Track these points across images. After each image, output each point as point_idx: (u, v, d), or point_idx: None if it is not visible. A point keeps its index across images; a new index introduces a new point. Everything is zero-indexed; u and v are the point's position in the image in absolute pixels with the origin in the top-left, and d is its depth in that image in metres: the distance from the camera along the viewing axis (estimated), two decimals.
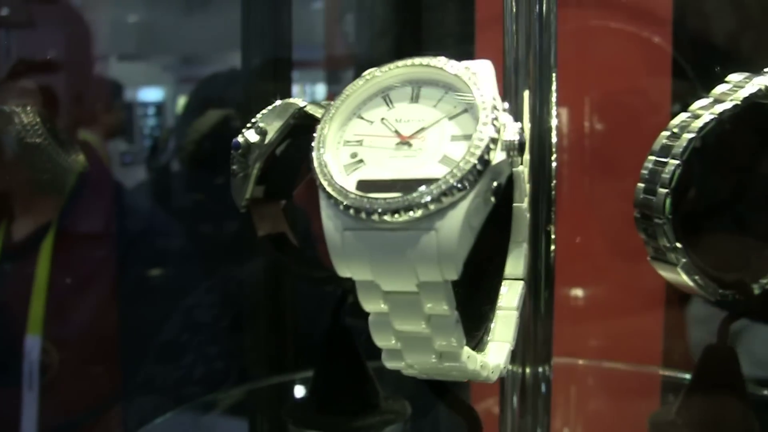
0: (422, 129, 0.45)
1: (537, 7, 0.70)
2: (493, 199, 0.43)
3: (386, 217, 0.41)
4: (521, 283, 0.57)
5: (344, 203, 0.43)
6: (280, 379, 1.07)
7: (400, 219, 0.41)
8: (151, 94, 1.70)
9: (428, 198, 0.41)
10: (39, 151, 1.19)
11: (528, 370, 0.75)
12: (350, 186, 0.44)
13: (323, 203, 0.44)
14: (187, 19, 1.56)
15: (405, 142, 0.45)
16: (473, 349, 0.52)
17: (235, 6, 1.21)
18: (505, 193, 0.55)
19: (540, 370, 0.75)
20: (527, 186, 0.57)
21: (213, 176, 1.38)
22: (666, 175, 0.65)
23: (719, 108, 0.64)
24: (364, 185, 0.44)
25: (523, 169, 0.55)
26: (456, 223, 0.41)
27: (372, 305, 0.46)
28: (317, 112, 0.68)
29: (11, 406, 1.20)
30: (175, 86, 1.63)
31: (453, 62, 0.47)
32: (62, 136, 1.23)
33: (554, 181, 0.74)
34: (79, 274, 1.28)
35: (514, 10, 0.71)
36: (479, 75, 0.46)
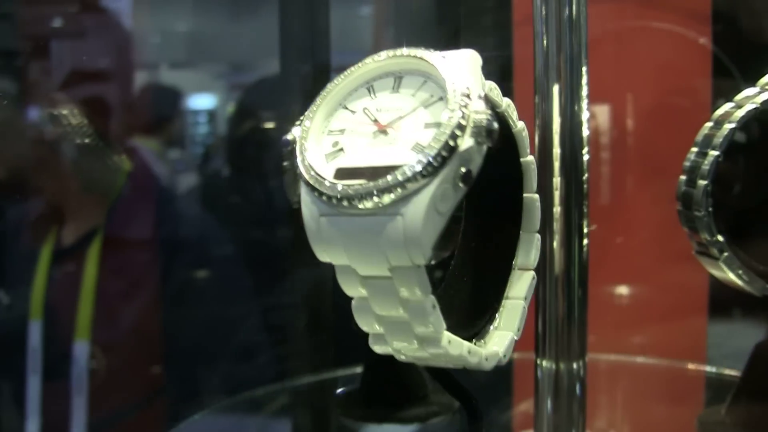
0: (399, 118, 0.46)
1: (567, 9, 0.71)
2: (462, 185, 0.42)
3: (356, 203, 0.42)
4: (531, 273, 0.58)
5: (320, 190, 0.44)
6: (327, 375, 1.07)
7: (369, 205, 0.42)
8: (202, 101, 1.72)
9: (394, 184, 0.42)
10: (87, 151, 1.24)
11: (562, 367, 0.74)
12: (329, 174, 0.45)
13: (302, 191, 0.46)
14: (234, 26, 1.58)
15: (382, 130, 0.46)
16: (474, 337, 0.54)
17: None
18: (515, 183, 0.56)
19: (574, 366, 0.74)
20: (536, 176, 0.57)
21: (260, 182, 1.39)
22: (705, 167, 0.64)
23: (763, 97, 0.62)
24: (341, 173, 0.45)
25: (532, 160, 0.56)
26: (420, 209, 0.41)
27: (351, 290, 0.47)
28: None
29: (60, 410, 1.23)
30: (225, 93, 1.65)
31: (433, 52, 0.47)
32: (108, 139, 1.25)
33: (586, 175, 0.73)
34: (125, 278, 1.31)
35: (544, 12, 0.71)
36: (456, 64, 0.46)
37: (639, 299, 1.14)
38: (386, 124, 0.46)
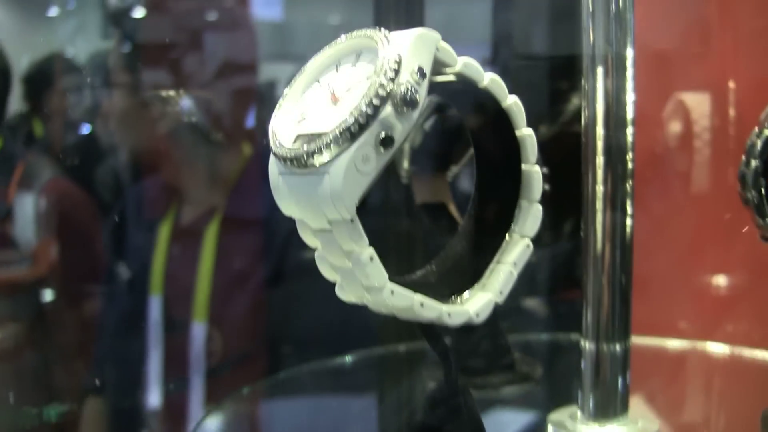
0: (348, 89, 0.52)
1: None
2: (383, 149, 0.48)
3: (300, 163, 0.49)
4: (525, 241, 0.62)
5: (276, 153, 0.51)
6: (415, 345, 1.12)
7: (307, 165, 0.49)
8: None
9: (321, 147, 0.48)
10: (195, 130, 1.32)
11: (605, 348, 0.77)
12: (290, 139, 0.52)
13: (271, 156, 0.53)
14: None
15: (335, 100, 0.53)
16: (452, 295, 0.59)
17: None
18: (513, 154, 0.60)
19: (617, 348, 0.77)
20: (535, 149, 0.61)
21: None
22: (759, 147, 0.65)
23: None
24: (299, 138, 0.52)
25: (529, 133, 0.60)
26: (341, 168, 0.47)
27: (309, 241, 0.54)
28: None
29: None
30: None
31: (383, 32, 0.53)
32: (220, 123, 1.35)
33: (630, 154, 0.76)
34: (242, 259, 1.39)
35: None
36: (400, 41, 0.51)
37: (737, 287, 1.12)
38: (338, 95, 0.52)
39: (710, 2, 1.15)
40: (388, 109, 0.48)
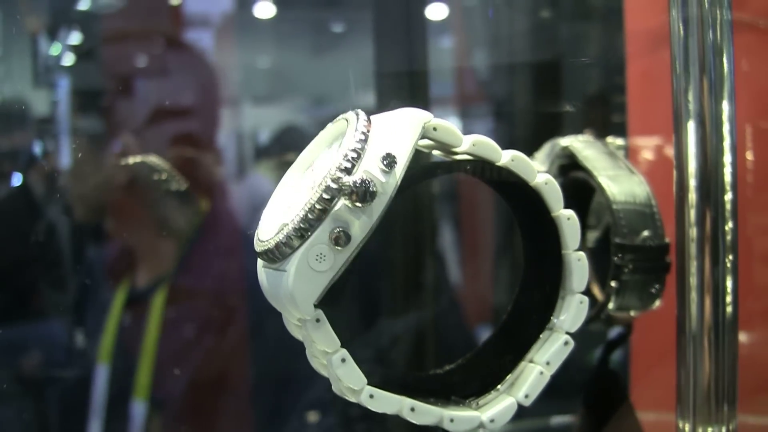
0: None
1: (710, 32, 0.65)
2: (339, 247, 0.46)
3: (268, 258, 0.48)
4: (563, 337, 0.56)
5: (255, 246, 0.49)
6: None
7: (275, 260, 0.48)
8: None
9: (278, 244, 0.46)
10: (178, 197, 1.24)
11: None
12: (274, 230, 0.48)
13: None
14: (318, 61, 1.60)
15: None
16: (470, 396, 0.54)
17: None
18: (553, 239, 0.55)
19: (722, 431, 0.67)
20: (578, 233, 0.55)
21: None
22: None
23: None
24: (282, 228, 0.48)
25: (566, 214, 0.54)
26: (292, 267, 0.46)
27: (295, 334, 0.52)
28: (580, 152, 0.74)
29: None
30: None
31: (359, 115, 0.49)
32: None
33: (730, 223, 0.66)
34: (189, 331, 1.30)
35: (682, 34, 0.66)
36: (376, 123, 0.49)
37: None
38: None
39: None
40: (339, 204, 0.46)
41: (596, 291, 0.81)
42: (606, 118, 1.17)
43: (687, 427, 0.66)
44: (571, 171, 0.77)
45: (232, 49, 1.56)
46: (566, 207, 0.54)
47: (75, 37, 1.35)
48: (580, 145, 0.76)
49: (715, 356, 0.65)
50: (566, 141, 0.76)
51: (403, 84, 1.20)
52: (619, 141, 0.80)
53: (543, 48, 1.30)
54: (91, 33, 1.35)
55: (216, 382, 1.29)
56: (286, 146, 1.56)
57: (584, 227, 0.84)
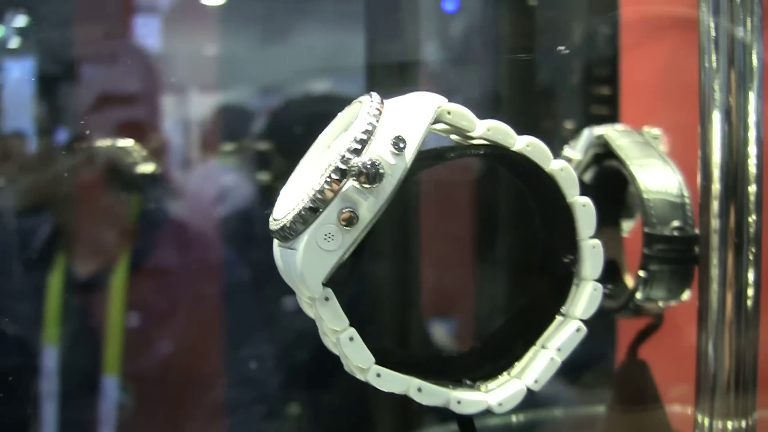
0: None
1: (740, 28, 0.66)
2: (347, 227, 0.47)
3: (281, 237, 0.49)
4: (577, 324, 0.56)
5: (269, 225, 0.50)
6: None
7: (287, 238, 0.49)
8: None
9: (288, 224, 0.48)
10: (148, 179, 1.25)
11: (725, 425, 0.67)
12: (289, 209, 0.49)
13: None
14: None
15: None
16: (479, 379, 0.55)
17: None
18: (567, 225, 0.55)
19: (741, 424, 0.67)
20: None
21: None
22: None
23: None
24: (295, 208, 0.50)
25: (582, 201, 0.54)
26: (301, 246, 0.47)
27: (308, 312, 0.53)
28: (615, 141, 0.75)
29: None
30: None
31: (373, 97, 0.50)
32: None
33: (754, 215, 0.65)
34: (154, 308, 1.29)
35: (714, 33, 0.66)
36: (388, 107, 0.49)
37: None
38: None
39: None
40: (348, 185, 0.47)
41: (629, 281, 0.82)
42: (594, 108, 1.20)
43: (706, 421, 0.66)
44: (605, 160, 0.78)
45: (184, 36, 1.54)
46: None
47: (20, 20, 1.29)
48: (616, 134, 0.76)
49: (736, 349, 0.65)
50: (602, 130, 0.77)
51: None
52: (655, 131, 0.79)
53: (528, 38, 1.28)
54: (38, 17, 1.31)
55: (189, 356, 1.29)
56: (234, 133, 1.55)
57: (618, 216, 0.84)
